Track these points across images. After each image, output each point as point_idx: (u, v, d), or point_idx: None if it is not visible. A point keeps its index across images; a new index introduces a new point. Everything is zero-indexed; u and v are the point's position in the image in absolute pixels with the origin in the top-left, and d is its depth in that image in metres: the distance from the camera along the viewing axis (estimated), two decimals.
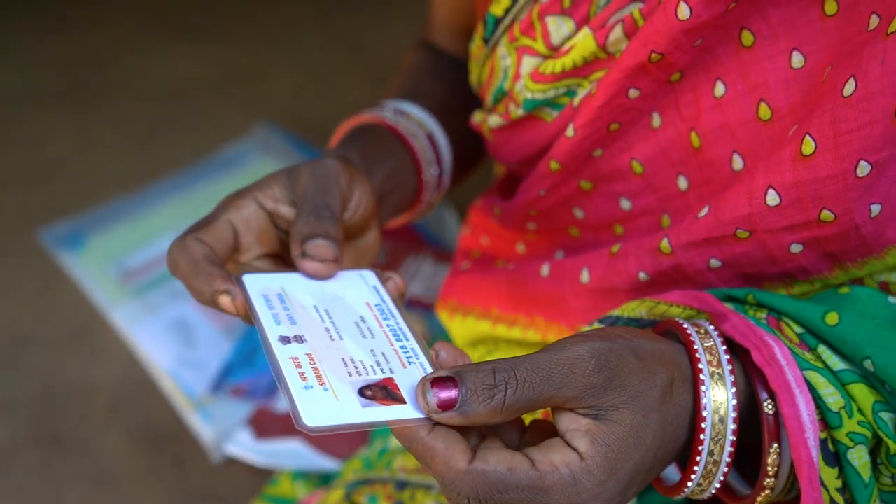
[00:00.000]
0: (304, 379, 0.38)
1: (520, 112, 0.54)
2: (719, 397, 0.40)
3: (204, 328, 0.91)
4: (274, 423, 0.82)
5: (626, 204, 0.54)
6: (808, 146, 0.41)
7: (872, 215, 0.42)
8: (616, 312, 0.48)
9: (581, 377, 0.37)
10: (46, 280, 1.00)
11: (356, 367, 0.40)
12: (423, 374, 0.38)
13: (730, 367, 0.41)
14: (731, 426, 0.40)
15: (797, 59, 0.44)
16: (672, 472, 0.44)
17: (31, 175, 1.17)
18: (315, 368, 0.39)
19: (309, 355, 0.40)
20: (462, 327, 0.65)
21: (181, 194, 1.09)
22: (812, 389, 0.41)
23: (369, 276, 0.47)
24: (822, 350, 0.43)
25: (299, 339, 0.41)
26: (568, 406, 0.38)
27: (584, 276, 0.54)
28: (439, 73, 0.70)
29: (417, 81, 0.68)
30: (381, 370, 0.40)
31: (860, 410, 0.42)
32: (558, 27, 0.51)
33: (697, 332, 0.42)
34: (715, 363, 0.41)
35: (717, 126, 0.48)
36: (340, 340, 0.42)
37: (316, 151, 1.14)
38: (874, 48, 0.39)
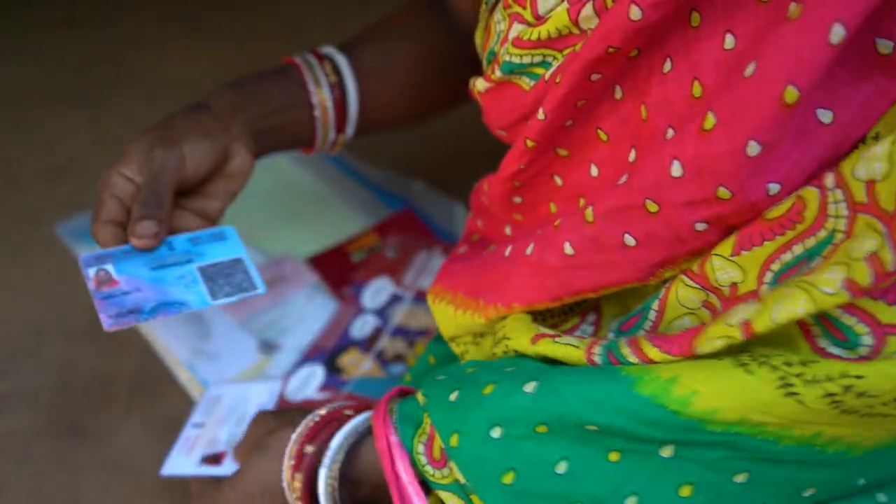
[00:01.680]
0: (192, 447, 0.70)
1: (499, 74, 0.58)
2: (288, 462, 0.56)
3: (220, 320, 0.93)
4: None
5: (594, 171, 0.56)
6: (710, 121, 0.43)
7: (770, 194, 0.43)
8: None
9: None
10: (64, 272, 1.01)
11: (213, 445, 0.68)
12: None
13: (292, 462, 0.55)
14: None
15: (729, 41, 0.46)
16: None
17: (46, 170, 1.19)
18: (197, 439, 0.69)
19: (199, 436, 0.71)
20: (438, 313, 0.68)
21: None
22: None
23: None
24: (454, 463, 0.50)
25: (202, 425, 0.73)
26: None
27: (529, 249, 0.56)
28: (410, 31, 0.78)
29: (368, 35, 0.78)
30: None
31: None
32: None
33: (302, 437, 0.56)
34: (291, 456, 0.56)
35: (660, 100, 0.50)
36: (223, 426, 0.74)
37: None
38: (779, 34, 0.41)
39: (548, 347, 0.51)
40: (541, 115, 0.53)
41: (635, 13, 0.45)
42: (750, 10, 0.45)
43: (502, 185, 0.62)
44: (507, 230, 0.66)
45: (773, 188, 0.43)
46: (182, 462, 0.74)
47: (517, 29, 0.56)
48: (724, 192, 0.44)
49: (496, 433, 0.48)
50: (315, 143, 0.75)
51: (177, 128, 0.66)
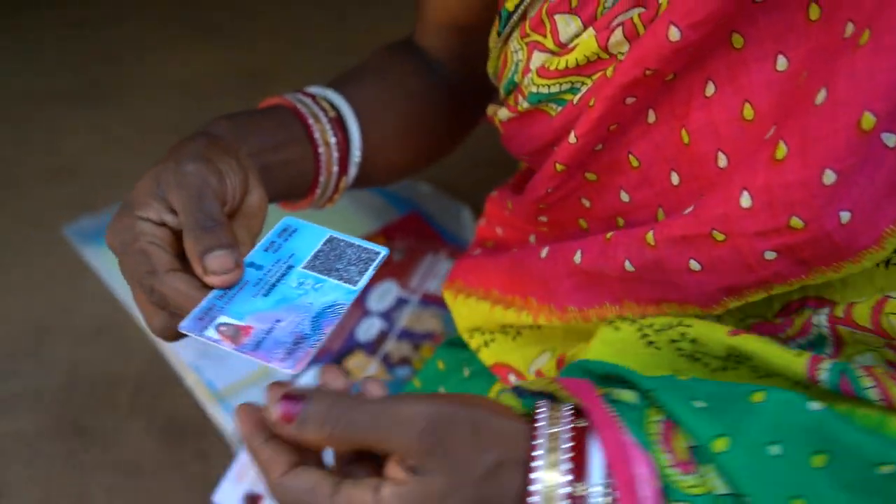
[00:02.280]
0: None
1: (525, 105, 0.57)
2: (551, 482, 0.40)
3: None
4: None
5: (624, 196, 0.55)
6: (781, 151, 0.43)
7: (843, 222, 0.43)
8: (524, 384, 0.48)
9: (405, 436, 0.39)
10: (70, 274, 1.01)
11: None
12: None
13: (570, 455, 0.40)
14: None
15: (781, 63, 0.45)
16: None
17: (47, 171, 1.18)
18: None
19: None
20: (464, 307, 0.67)
21: None
22: None
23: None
24: (710, 469, 0.41)
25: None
26: (395, 456, 0.40)
27: (577, 257, 0.56)
28: (389, 69, 0.72)
29: (353, 75, 0.71)
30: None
31: None
32: (566, 25, 0.53)
33: (550, 417, 0.42)
34: (555, 449, 0.41)
35: (704, 124, 0.49)
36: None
37: None
38: (845, 59, 0.40)
39: (753, 343, 0.47)
40: (572, 138, 0.52)
41: (674, 34, 0.45)
42: (801, 30, 0.44)
43: (528, 206, 0.61)
44: (532, 239, 0.66)
45: (845, 216, 0.43)
46: (229, 494, 0.74)
47: (539, 58, 0.55)
48: (796, 222, 0.43)
49: (775, 450, 0.41)
50: (316, 186, 0.64)
51: (193, 149, 0.53)
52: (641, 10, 0.48)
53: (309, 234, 0.52)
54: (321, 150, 0.62)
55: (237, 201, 0.52)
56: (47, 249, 1.04)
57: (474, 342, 0.67)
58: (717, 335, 0.50)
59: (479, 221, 0.75)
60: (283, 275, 0.49)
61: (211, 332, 0.44)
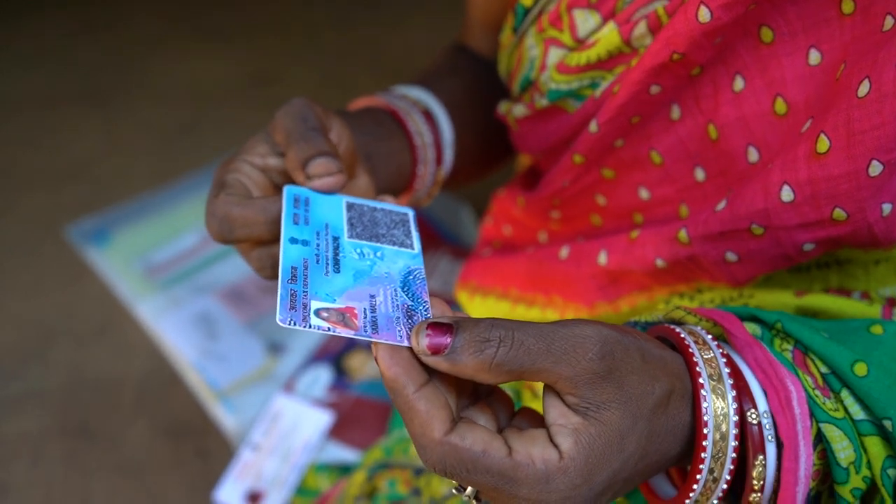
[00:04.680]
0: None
1: (544, 102, 0.56)
2: (720, 412, 0.38)
3: (227, 322, 0.93)
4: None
5: (644, 194, 0.55)
6: (823, 144, 0.42)
7: (884, 214, 0.43)
8: (637, 318, 0.47)
9: (581, 358, 0.35)
10: (74, 275, 1.02)
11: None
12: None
13: (731, 381, 0.39)
14: (733, 443, 0.38)
15: (814, 56, 0.45)
16: (666, 486, 0.43)
17: (57, 173, 1.19)
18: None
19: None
20: (481, 307, 0.66)
21: (204, 192, 1.11)
22: (826, 442, 0.40)
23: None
24: (846, 395, 0.41)
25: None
26: (560, 387, 0.36)
27: (602, 258, 0.56)
28: (460, 70, 0.72)
29: (431, 73, 0.71)
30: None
31: (868, 464, 0.40)
32: (585, 20, 0.53)
33: (696, 343, 0.40)
34: (716, 377, 0.39)
35: (733, 119, 0.49)
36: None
37: None
38: (889, 51, 0.40)
39: (823, 300, 0.48)
40: (593, 127, 0.52)
41: (704, 15, 0.44)
42: (835, 24, 0.44)
43: (541, 202, 0.61)
44: (542, 237, 0.66)
45: (886, 208, 0.43)
46: (231, 492, 0.77)
47: (557, 54, 0.55)
48: (840, 214, 0.43)
49: None
50: (416, 177, 0.62)
51: (297, 103, 0.52)
52: (664, 1, 0.48)
53: (324, 201, 0.48)
54: (417, 140, 0.62)
55: (342, 150, 0.50)
56: (53, 251, 1.05)
57: None
58: (782, 299, 0.50)
59: (484, 220, 0.75)
60: (337, 247, 0.45)
61: (317, 322, 0.40)
